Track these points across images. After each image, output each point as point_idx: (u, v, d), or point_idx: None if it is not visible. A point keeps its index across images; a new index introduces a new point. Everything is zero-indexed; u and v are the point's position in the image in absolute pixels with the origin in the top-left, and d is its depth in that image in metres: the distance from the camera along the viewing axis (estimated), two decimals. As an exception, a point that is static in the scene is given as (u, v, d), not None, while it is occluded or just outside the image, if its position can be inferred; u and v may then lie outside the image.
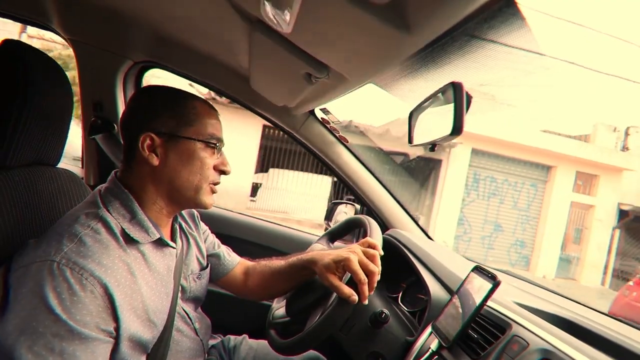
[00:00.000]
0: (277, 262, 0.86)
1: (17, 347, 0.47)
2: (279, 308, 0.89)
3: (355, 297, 0.64)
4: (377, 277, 0.66)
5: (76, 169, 1.38)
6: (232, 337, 0.97)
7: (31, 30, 7.13)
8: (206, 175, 0.66)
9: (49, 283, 0.49)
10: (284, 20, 0.51)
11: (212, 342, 0.92)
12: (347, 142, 1.28)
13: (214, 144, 0.67)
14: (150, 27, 1.04)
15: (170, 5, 0.87)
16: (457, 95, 0.57)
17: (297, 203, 7.88)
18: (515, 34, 0.62)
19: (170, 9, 0.90)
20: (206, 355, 0.81)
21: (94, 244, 0.54)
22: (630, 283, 5.56)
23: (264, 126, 7.60)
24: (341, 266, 0.67)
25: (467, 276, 0.68)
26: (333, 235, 1.03)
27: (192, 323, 0.76)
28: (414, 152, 7.62)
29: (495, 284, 0.59)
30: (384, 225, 1.30)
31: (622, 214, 8.60)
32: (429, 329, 0.71)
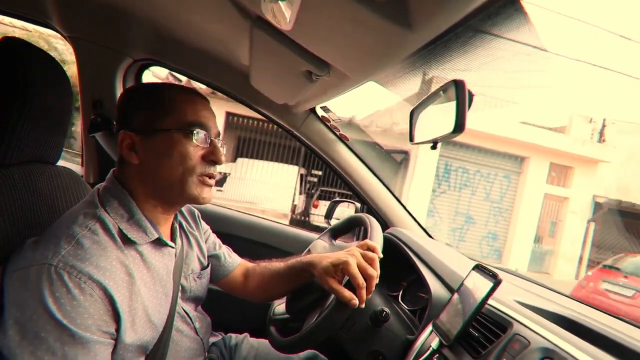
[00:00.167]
0: (277, 265, 0.86)
1: (19, 352, 0.48)
2: (280, 304, 0.89)
3: (356, 301, 0.63)
4: (376, 281, 0.65)
5: (75, 166, 1.38)
6: (233, 335, 0.97)
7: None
8: (190, 167, 0.62)
9: (47, 288, 0.49)
10: (284, 18, 0.51)
11: (212, 339, 0.92)
12: (348, 140, 1.28)
13: (195, 131, 0.62)
14: (150, 25, 1.04)
15: (171, 2, 0.87)
16: (459, 93, 0.57)
17: (263, 193, 7.50)
18: (507, 25, 0.61)
19: (170, 6, 0.89)
20: (206, 353, 0.81)
21: (91, 246, 0.54)
22: (589, 273, 5.38)
23: (227, 113, 7.24)
24: (340, 269, 0.67)
25: (467, 274, 0.68)
26: (335, 232, 1.03)
27: (192, 322, 0.76)
28: (384, 142, 7.39)
29: (496, 282, 0.59)
30: (385, 224, 1.30)
31: (598, 206, 8.31)
32: (429, 328, 0.71)
